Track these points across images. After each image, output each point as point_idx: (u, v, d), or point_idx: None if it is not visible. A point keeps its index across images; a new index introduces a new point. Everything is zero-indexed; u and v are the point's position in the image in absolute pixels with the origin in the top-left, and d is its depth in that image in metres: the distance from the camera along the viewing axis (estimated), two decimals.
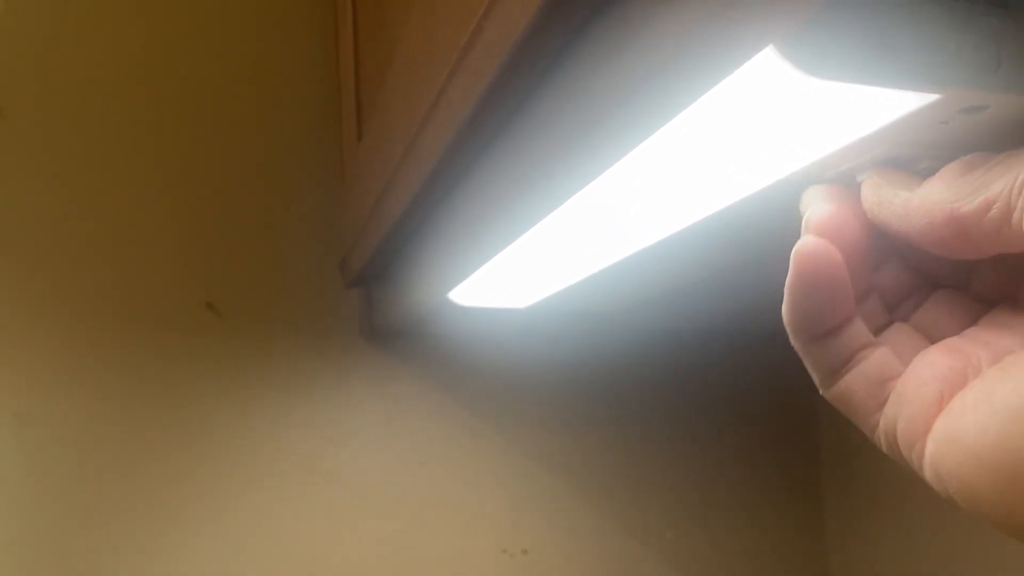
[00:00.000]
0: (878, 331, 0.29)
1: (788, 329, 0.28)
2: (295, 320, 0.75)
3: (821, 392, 0.28)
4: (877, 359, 0.27)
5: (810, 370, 0.28)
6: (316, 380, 0.75)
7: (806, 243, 0.27)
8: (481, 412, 0.79)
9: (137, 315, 0.71)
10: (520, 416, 0.80)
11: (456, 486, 0.77)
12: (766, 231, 0.40)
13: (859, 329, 0.27)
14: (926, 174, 0.27)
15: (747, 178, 0.34)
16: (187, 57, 0.76)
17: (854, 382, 0.27)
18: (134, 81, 0.74)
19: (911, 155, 0.30)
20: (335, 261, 0.76)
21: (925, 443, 0.24)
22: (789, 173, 0.32)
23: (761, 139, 0.30)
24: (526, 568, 0.78)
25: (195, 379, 0.72)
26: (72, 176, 0.72)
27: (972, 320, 0.28)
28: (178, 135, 0.75)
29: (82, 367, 0.70)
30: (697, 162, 0.33)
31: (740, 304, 0.69)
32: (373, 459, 0.76)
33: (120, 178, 0.73)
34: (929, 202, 0.25)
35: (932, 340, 0.28)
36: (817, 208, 0.28)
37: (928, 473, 0.24)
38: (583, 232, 0.44)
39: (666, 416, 0.84)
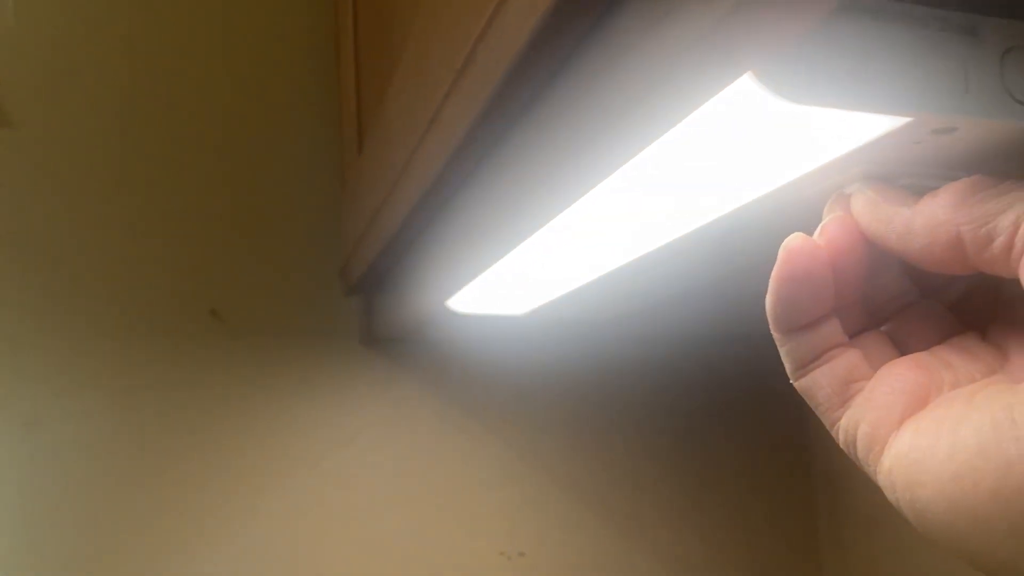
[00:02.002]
0: (854, 335, 0.30)
1: (768, 318, 0.29)
2: (297, 326, 0.76)
3: (791, 381, 0.30)
4: (847, 359, 0.28)
5: (784, 359, 0.29)
6: (318, 385, 0.76)
7: (794, 239, 0.28)
8: (479, 416, 0.80)
9: (143, 322, 0.73)
10: (517, 420, 0.81)
11: (455, 489, 0.79)
12: (755, 241, 0.42)
13: (834, 328, 0.29)
14: (911, 190, 0.28)
15: (732, 193, 0.35)
16: (191, 71, 0.77)
17: (822, 377, 0.28)
18: (140, 93, 0.75)
19: (890, 172, 0.31)
20: (336, 269, 0.77)
21: (883, 451, 0.26)
22: (772, 189, 0.33)
23: (745, 157, 0.32)
24: (523, 570, 0.79)
25: (200, 384, 0.73)
26: (79, 186, 0.73)
27: (944, 338, 0.29)
28: (183, 147, 0.76)
29: (89, 373, 0.71)
30: (685, 178, 0.35)
31: (734, 312, 0.70)
32: (373, 462, 0.77)
33: (126, 188, 0.74)
34: (934, 222, 0.26)
35: (902, 351, 0.29)
36: (830, 215, 0.30)
37: (882, 479, 0.26)
38: (577, 242, 0.46)
39: (660, 421, 0.85)
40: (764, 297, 0.29)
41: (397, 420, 0.78)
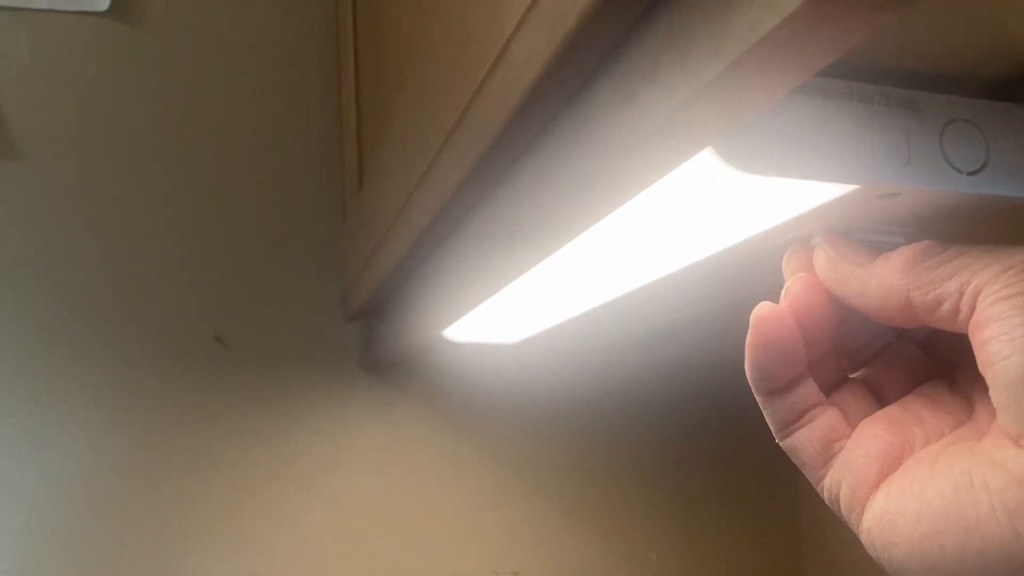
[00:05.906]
0: (831, 389, 0.32)
1: (749, 383, 0.31)
2: (299, 352, 0.79)
3: (777, 441, 0.31)
4: (826, 420, 0.30)
5: (768, 421, 0.31)
6: (318, 408, 0.79)
7: (762, 308, 0.30)
8: (473, 440, 0.82)
9: (150, 347, 0.75)
10: (510, 444, 0.83)
11: (449, 510, 0.81)
12: (736, 280, 0.45)
13: (811, 388, 0.31)
14: (867, 244, 0.31)
15: (704, 244, 0.38)
16: (197, 105, 0.80)
17: (805, 439, 0.30)
18: (146, 127, 0.78)
19: (847, 226, 0.33)
20: (337, 297, 0.80)
21: (863, 512, 0.28)
22: (738, 242, 0.36)
23: (711, 216, 0.34)
24: None
25: (204, 408, 0.76)
26: (88, 216, 0.76)
27: (920, 380, 0.31)
28: (190, 180, 0.79)
29: (98, 395, 0.74)
30: (660, 230, 0.37)
31: (724, 341, 0.72)
32: (370, 484, 0.79)
33: (135, 219, 0.77)
34: (886, 286, 0.28)
35: (879, 397, 0.31)
36: (790, 277, 0.32)
37: (864, 538, 0.28)
38: (566, 279, 0.48)
39: (651, 445, 0.88)
40: (740, 330, 0.31)
41: (394, 442, 0.80)
